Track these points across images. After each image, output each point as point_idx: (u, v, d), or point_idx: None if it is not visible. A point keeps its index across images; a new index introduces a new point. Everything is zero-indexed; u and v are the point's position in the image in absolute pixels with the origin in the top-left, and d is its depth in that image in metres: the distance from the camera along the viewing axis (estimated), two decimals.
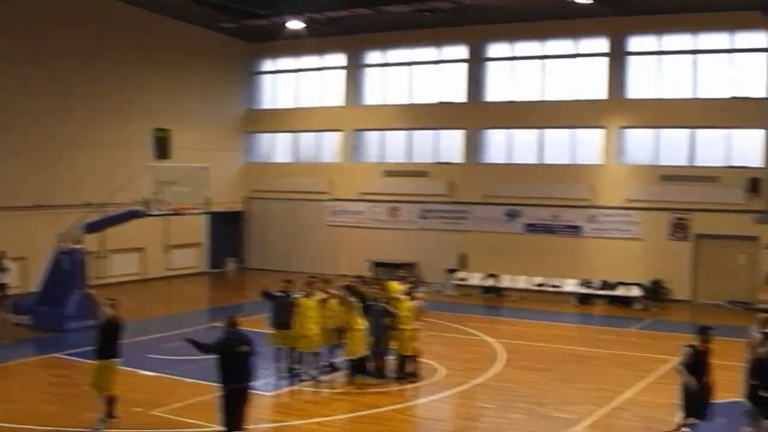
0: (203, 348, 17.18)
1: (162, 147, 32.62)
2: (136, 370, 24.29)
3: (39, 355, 27.23)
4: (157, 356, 26.03)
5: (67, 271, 31.25)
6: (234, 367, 16.98)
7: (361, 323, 22.95)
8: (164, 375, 24.03)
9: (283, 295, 23.81)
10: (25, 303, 32.17)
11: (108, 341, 18.72)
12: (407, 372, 23.74)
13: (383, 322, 23.09)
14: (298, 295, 23.59)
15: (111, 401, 18.64)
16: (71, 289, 30.95)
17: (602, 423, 20.00)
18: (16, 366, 25.37)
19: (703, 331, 17.75)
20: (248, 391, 17.23)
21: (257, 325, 24.27)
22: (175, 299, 40.06)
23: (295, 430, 19.02)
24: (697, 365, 17.46)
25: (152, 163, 31.78)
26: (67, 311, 30.61)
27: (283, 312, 23.39)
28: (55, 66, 38.99)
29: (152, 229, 41.27)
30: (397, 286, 24.91)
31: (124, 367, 24.44)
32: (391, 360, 24.00)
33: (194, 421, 19.46)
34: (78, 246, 31.54)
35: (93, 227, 32.63)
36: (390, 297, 23.89)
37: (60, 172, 39.22)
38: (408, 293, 24.00)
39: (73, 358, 26.48)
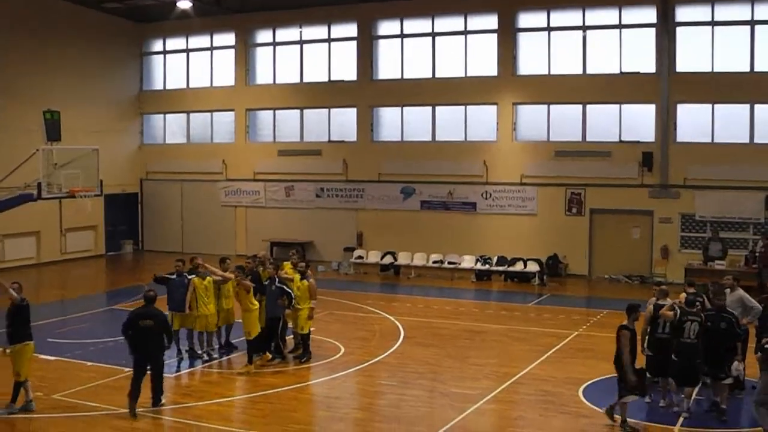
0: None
1: (52, 129, 32.11)
2: (35, 354, 23.99)
3: None
4: (56, 340, 25.73)
5: None
6: (136, 340, 18.70)
7: (256, 304, 22.91)
8: (63, 359, 23.78)
9: (175, 277, 23.70)
10: None
11: (20, 324, 18.54)
12: (303, 350, 23.83)
13: (280, 303, 23.08)
14: (191, 276, 23.49)
15: (19, 386, 18.46)
16: None
17: (501, 398, 20.17)
18: None
19: (633, 310, 18.04)
20: (150, 363, 18.68)
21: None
22: (72, 283, 39.55)
23: (195, 412, 18.91)
24: (633, 345, 17.80)
25: (43, 146, 31.28)
26: None
27: (177, 294, 23.31)
28: None
29: (47, 212, 40.72)
30: (289, 267, 24.95)
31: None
32: (289, 339, 24.12)
33: (96, 404, 19.33)
34: None
35: None
36: (284, 277, 23.92)
37: None
38: (301, 273, 23.98)
39: None
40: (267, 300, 23.09)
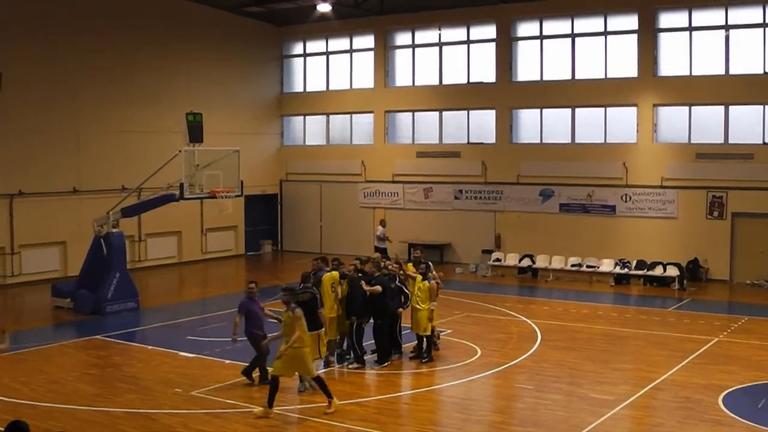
0: None
1: (195, 131, 32.73)
2: (175, 351, 24.62)
3: (79, 338, 27.50)
4: (195, 338, 26.24)
5: (106, 255, 31.53)
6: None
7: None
8: (202, 356, 24.26)
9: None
10: (65, 287, 32.63)
11: None
12: (424, 351, 23.97)
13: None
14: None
15: None
16: (110, 272, 31.26)
17: (640, 403, 19.95)
18: (57, 348, 25.69)
19: None
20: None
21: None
22: (212, 282, 40.33)
23: (341, 410, 19.06)
24: None
25: (186, 147, 31.90)
26: (106, 294, 30.93)
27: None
28: (93, 56, 39.49)
29: (188, 212, 41.61)
30: (412, 266, 25.13)
31: (163, 349, 24.94)
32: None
33: (232, 402, 19.72)
34: (116, 230, 31.80)
35: (129, 212, 32.91)
36: (408, 275, 24.06)
37: (96, 158, 39.66)
38: (422, 274, 24.04)
39: (113, 339, 26.91)
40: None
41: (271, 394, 18.81)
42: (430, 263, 25.35)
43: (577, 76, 40.87)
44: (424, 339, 23.96)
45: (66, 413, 18.83)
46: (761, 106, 36.93)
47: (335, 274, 23.25)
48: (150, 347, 25.82)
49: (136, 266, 39.92)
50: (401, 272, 24.21)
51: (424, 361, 23.67)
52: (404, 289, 23.74)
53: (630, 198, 39.27)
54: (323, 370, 22.34)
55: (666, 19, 39.02)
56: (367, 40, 46.96)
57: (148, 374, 22.46)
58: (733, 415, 18.64)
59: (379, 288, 22.94)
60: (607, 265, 38.63)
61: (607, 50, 40.13)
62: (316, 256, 26.04)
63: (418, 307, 23.60)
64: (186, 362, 22.60)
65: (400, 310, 23.86)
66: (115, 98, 40.49)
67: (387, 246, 40.86)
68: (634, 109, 39.37)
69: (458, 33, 44.24)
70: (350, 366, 23.14)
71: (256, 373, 21.41)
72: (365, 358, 23.45)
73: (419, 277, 23.96)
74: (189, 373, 21.85)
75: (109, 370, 23.28)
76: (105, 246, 31.60)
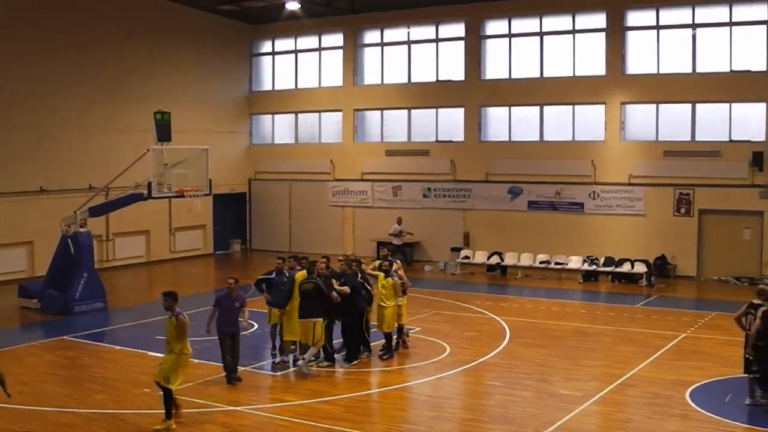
0: None
1: (163, 130, 32.62)
2: (145, 351, 24.52)
3: (47, 338, 27.33)
4: (164, 338, 26.13)
5: (74, 255, 31.39)
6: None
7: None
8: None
9: (274, 276, 23.85)
10: (32, 287, 32.46)
11: None
12: (382, 348, 24.11)
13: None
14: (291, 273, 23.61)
15: None
16: (78, 272, 31.14)
17: (609, 399, 20.05)
18: (24, 349, 25.54)
19: None
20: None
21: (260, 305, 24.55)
22: (181, 281, 40.10)
23: (300, 410, 19.03)
24: None
25: (154, 146, 31.79)
26: (74, 294, 30.80)
27: (277, 291, 23.49)
28: (56, 52, 39.19)
29: (157, 211, 41.53)
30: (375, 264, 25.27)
31: (132, 349, 24.86)
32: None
33: (202, 401, 19.68)
34: (84, 230, 31.68)
35: (97, 211, 32.77)
36: (369, 274, 24.16)
37: (63, 157, 39.42)
38: (385, 271, 24.11)
39: (81, 340, 26.79)
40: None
41: (167, 404, 18.11)
42: (396, 261, 25.47)
43: (545, 75, 40.98)
44: (390, 336, 24.10)
45: (35, 415, 18.73)
46: (727, 104, 37.13)
47: (304, 273, 23.24)
48: (119, 347, 25.72)
49: (104, 266, 39.73)
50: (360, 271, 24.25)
51: (385, 358, 23.75)
52: (366, 286, 23.77)
53: (598, 195, 39.42)
54: (293, 369, 22.44)
55: (634, 18, 39.18)
56: (336, 39, 46.93)
57: (118, 374, 22.38)
58: (701, 410, 18.75)
59: (347, 289, 22.95)
60: (575, 262, 38.78)
61: (575, 49, 40.23)
62: (281, 255, 25.96)
63: (383, 304, 23.73)
64: (155, 362, 22.36)
65: (369, 308, 23.91)
66: (83, 97, 40.26)
67: (401, 242, 41.14)
68: (603, 107, 39.52)
69: (427, 31, 44.25)
70: (320, 365, 23.13)
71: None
72: (335, 356, 23.50)
73: (381, 275, 24.06)
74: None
75: (78, 371, 23.20)
76: (73, 246, 31.45)
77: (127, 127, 40.73)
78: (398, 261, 25.88)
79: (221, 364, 21.50)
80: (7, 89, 37.36)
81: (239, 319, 21.66)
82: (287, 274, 23.59)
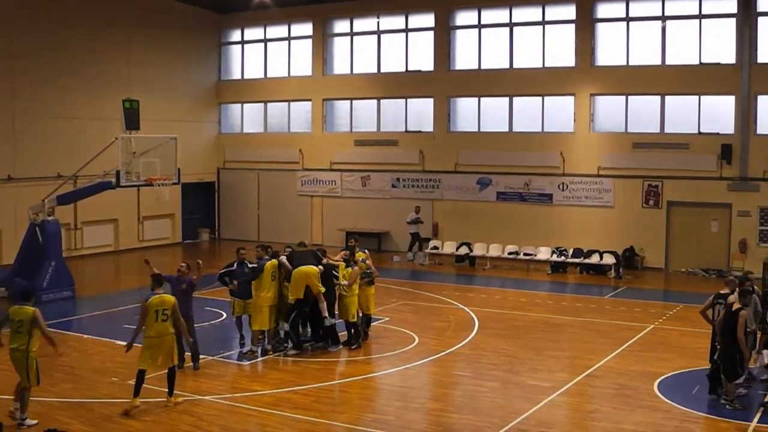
0: None
1: (131, 118, 32.48)
2: (112, 340, 24.38)
3: None
4: (132, 326, 25.95)
5: (42, 243, 31.19)
6: None
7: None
8: (138, 345, 23.99)
9: (235, 267, 23.76)
10: (0, 275, 32.18)
11: None
12: (352, 338, 24.15)
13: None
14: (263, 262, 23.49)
15: None
16: (46, 261, 30.95)
17: (576, 390, 20.09)
18: None
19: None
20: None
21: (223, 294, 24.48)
22: (149, 270, 39.97)
23: (267, 399, 19.00)
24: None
25: (122, 134, 31.63)
26: (42, 283, 30.59)
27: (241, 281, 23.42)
28: (24, 39, 38.83)
29: (125, 200, 41.36)
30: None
31: (99, 338, 24.72)
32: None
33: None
34: (51, 218, 31.49)
35: (65, 199, 32.61)
36: (332, 262, 24.13)
37: (32, 145, 39.11)
38: (345, 261, 24.15)
39: (48, 329, 26.46)
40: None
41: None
42: (364, 250, 25.54)
43: (515, 65, 41.02)
44: (354, 325, 24.16)
45: None
46: (696, 97, 37.29)
47: (275, 261, 23.20)
48: (86, 336, 25.59)
49: (72, 254, 39.52)
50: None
51: (352, 348, 23.78)
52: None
53: (567, 187, 39.50)
54: (261, 359, 22.41)
55: (603, 10, 39.27)
56: (306, 28, 46.80)
57: (84, 363, 22.25)
58: (669, 401, 18.84)
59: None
60: (544, 254, 38.83)
61: (545, 40, 40.29)
62: (243, 245, 25.81)
63: (344, 293, 23.73)
64: (122, 351, 22.36)
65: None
66: (52, 84, 39.95)
67: (418, 230, 41.11)
68: (572, 98, 39.61)
69: (397, 21, 44.22)
70: (288, 353, 23.11)
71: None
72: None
73: (342, 264, 24.05)
74: (125, 362, 21.55)
75: (44, 359, 22.96)
76: (40, 234, 31.23)
77: (96, 115, 40.51)
78: (366, 251, 25.81)
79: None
80: None
81: (189, 305, 21.63)
82: (249, 265, 23.48)
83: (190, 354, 21.56)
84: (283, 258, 23.34)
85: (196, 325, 21.94)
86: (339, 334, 23.97)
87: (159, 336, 18.62)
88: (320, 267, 23.11)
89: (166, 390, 18.76)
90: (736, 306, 18.41)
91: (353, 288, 23.74)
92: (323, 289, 22.85)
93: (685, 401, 18.76)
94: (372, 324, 25.44)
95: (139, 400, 18.32)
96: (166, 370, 18.76)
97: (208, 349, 22.58)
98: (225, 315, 26.73)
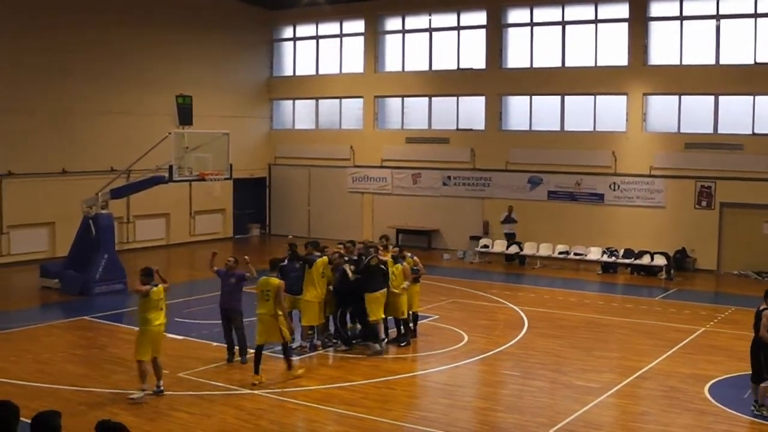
0: None
1: (184, 113, 32.76)
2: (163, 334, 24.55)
3: (67, 319, 27.59)
4: (183, 320, 26.23)
5: (95, 236, 31.51)
6: None
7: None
8: (190, 338, 24.28)
9: (287, 262, 23.86)
10: (53, 267, 32.65)
11: None
12: (405, 334, 24.19)
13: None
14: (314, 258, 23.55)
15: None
16: (99, 253, 31.26)
17: (625, 392, 20.00)
18: (44, 328, 25.75)
19: None
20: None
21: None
22: (199, 264, 40.15)
23: (316, 395, 19.12)
24: None
25: (175, 129, 31.86)
26: (94, 275, 30.93)
27: (289, 277, 23.44)
28: (81, 36, 39.44)
29: (177, 194, 41.68)
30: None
31: None
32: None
33: (219, 384, 19.78)
34: (105, 211, 31.81)
35: (118, 193, 32.95)
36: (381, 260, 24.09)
37: (85, 140, 39.68)
38: (394, 258, 24.10)
39: (100, 321, 26.93)
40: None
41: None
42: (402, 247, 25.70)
43: (567, 64, 40.86)
44: (405, 323, 24.19)
45: (53, 393, 18.86)
46: (751, 97, 36.88)
47: (325, 259, 23.30)
48: (137, 329, 25.77)
49: (124, 248, 39.86)
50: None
51: (402, 345, 23.80)
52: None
53: (618, 187, 39.31)
54: (310, 354, 22.54)
55: (657, 8, 39.01)
56: (358, 25, 46.91)
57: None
58: (718, 405, 18.71)
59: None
60: (594, 254, 38.65)
61: (597, 38, 40.08)
62: (291, 240, 25.86)
63: (395, 290, 23.65)
64: (173, 344, 22.53)
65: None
66: (105, 79, 40.41)
67: (513, 230, 40.75)
68: (624, 97, 39.38)
69: (449, 19, 44.21)
70: (338, 349, 23.21)
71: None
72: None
73: (391, 261, 23.99)
74: (176, 354, 21.81)
75: (96, 351, 23.31)
76: (94, 227, 31.59)
77: (149, 110, 40.89)
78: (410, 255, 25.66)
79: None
80: (31, 70, 37.63)
81: (238, 298, 22.13)
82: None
83: (238, 348, 21.73)
84: (347, 268, 23.31)
85: (245, 320, 22.05)
86: (389, 330, 24.00)
87: (263, 314, 20.28)
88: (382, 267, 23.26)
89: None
90: (762, 306, 18.27)
91: (402, 285, 23.72)
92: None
93: (735, 405, 18.60)
94: (421, 322, 25.51)
95: (260, 377, 19.93)
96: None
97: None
98: None
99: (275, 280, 20.57)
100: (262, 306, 20.31)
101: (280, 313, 20.32)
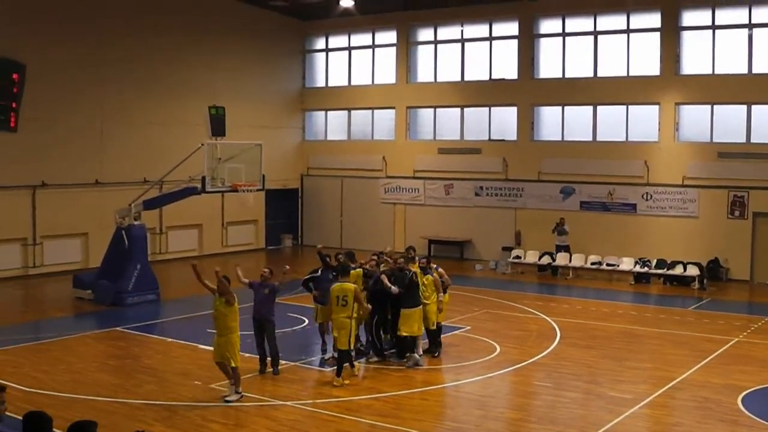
0: None
1: (217, 124, 32.89)
2: (195, 344, 24.69)
3: (100, 329, 27.67)
4: (215, 331, 26.26)
5: (128, 247, 31.68)
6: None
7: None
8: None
9: (320, 273, 23.94)
10: (86, 278, 32.81)
11: None
12: (436, 345, 24.11)
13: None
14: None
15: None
16: (131, 264, 31.42)
17: (659, 403, 19.92)
18: (77, 339, 25.85)
19: None
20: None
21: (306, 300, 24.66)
22: (233, 275, 40.23)
23: (348, 405, 19.13)
24: None
25: (208, 140, 31.99)
26: (127, 286, 31.09)
27: (322, 288, 23.50)
28: (114, 48, 39.58)
29: (209, 205, 41.84)
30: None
31: (183, 342, 25.02)
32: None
33: (251, 395, 19.77)
34: (137, 222, 31.98)
35: (151, 204, 33.13)
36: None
37: (119, 150, 39.90)
38: (422, 269, 23.99)
39: (133, 331, 27.01)
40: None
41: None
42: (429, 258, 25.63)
43: (599, 74, 40.81)
44: (436, 333, 24.16)
45: (86, 403, 18.93)
46: None
47: (360, 271, 23.37)
48: (169, 339, 25.95)
49: (157, 258, 40.01)
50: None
51: (435, 356, 23.76)
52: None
53: (651, 197, 39.19)
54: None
55: (689, 18, 38.90)
56: (390, 36, 46.98)
57: (168, 366, 22.57)
58: (753, 416, 18.60)
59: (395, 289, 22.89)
60: (627, 264, 38.50)
61: (629, 48, 40.02)
62: (323, 250, 25.84)
63: (425, 302, 23.54)
64: (205, 355, 22.60)
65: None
66: (138, 90, 40.69)
67: (566, 242, 40.16)
68: (656, 107, 39.29)
69: (481, 29, 44.25)
70: (370, 360, 23.23)
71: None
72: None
73: (419, 272, 23.86)
74: (208, 365, 21.84)
75: (129, 362, 23.41)
76: (127, 238, 31.76)
77: (182, 121, 41.04)
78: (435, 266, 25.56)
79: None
80: (64, 82, 37.81)
81: (271, 309, 22.12)
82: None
83: (270, 359, 21.79)
84: (384, 277, 23.26)
85: (277, 331, 22.11)
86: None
87: (340, 318, 21.04)
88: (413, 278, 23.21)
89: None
90: None
91: (432, 296, 23.70)
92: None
93: None
94: (454, 333, 25.54)
95: (343, 380, 20.84)
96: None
97: (290, 355, 22.78)
98: (307, 321, 26.97)
99: (349, 285, 21.29)
100: (340, 311, 21.03)
101: (354, 316, 21.25)
